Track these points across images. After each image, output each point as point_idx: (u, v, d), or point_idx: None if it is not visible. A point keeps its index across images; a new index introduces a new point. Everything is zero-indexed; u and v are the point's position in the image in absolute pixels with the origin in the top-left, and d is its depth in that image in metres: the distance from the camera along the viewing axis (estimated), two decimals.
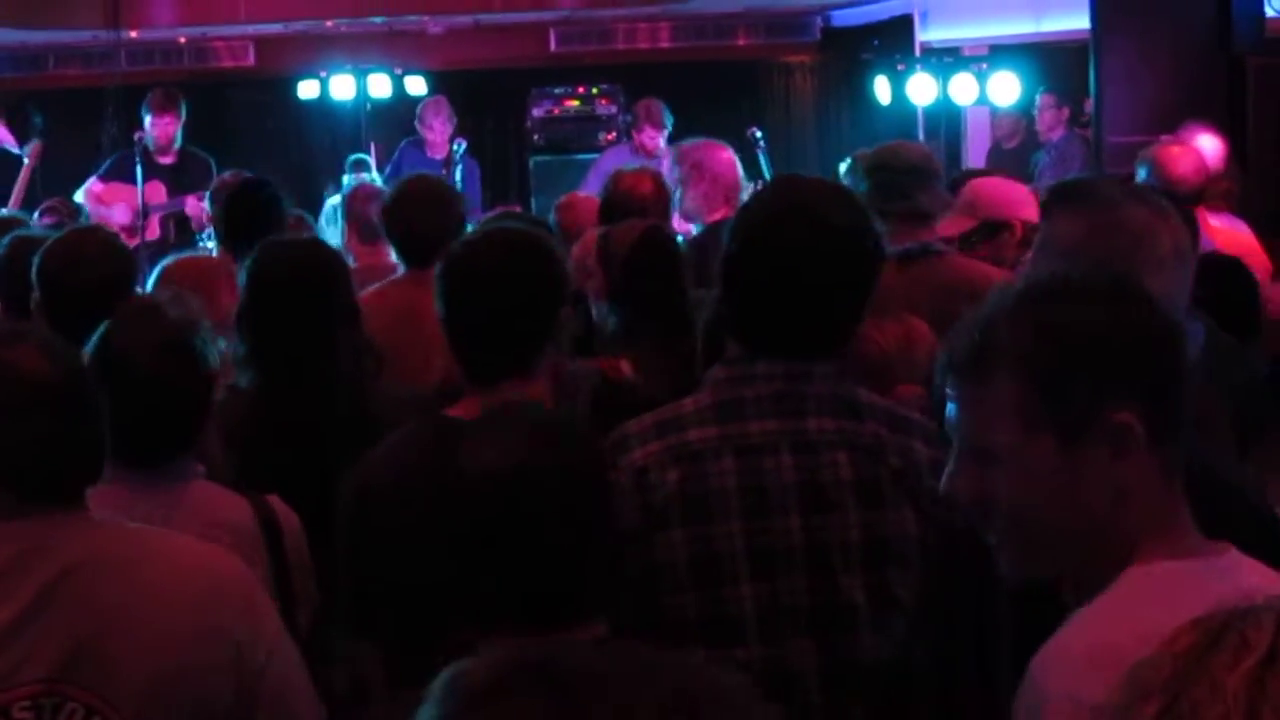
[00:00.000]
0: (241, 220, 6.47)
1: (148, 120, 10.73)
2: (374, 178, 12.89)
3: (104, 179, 10.94)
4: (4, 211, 10.26)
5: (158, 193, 10.64)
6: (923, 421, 3.29)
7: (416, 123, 12.26)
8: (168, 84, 11.61)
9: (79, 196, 10.87)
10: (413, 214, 5.83)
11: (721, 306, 3.35)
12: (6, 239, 5.47)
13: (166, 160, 10.76)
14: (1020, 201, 6.05)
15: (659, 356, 4.73)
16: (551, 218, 7.41)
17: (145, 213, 10.45)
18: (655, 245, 5.17)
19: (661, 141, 11.12)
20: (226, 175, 7.94)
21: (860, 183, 5.86)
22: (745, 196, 7.65)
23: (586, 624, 2.68)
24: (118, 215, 10.41)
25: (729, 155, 7.84)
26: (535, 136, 14.80)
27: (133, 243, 9.51)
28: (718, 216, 7.10)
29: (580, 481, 2.63)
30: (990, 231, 5.86)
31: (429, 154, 11.99)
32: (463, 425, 3.37)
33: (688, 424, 3.17)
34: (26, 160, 11.86)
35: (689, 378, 4.45)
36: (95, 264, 4.62)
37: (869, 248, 3.28)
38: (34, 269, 4.66)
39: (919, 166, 5.78)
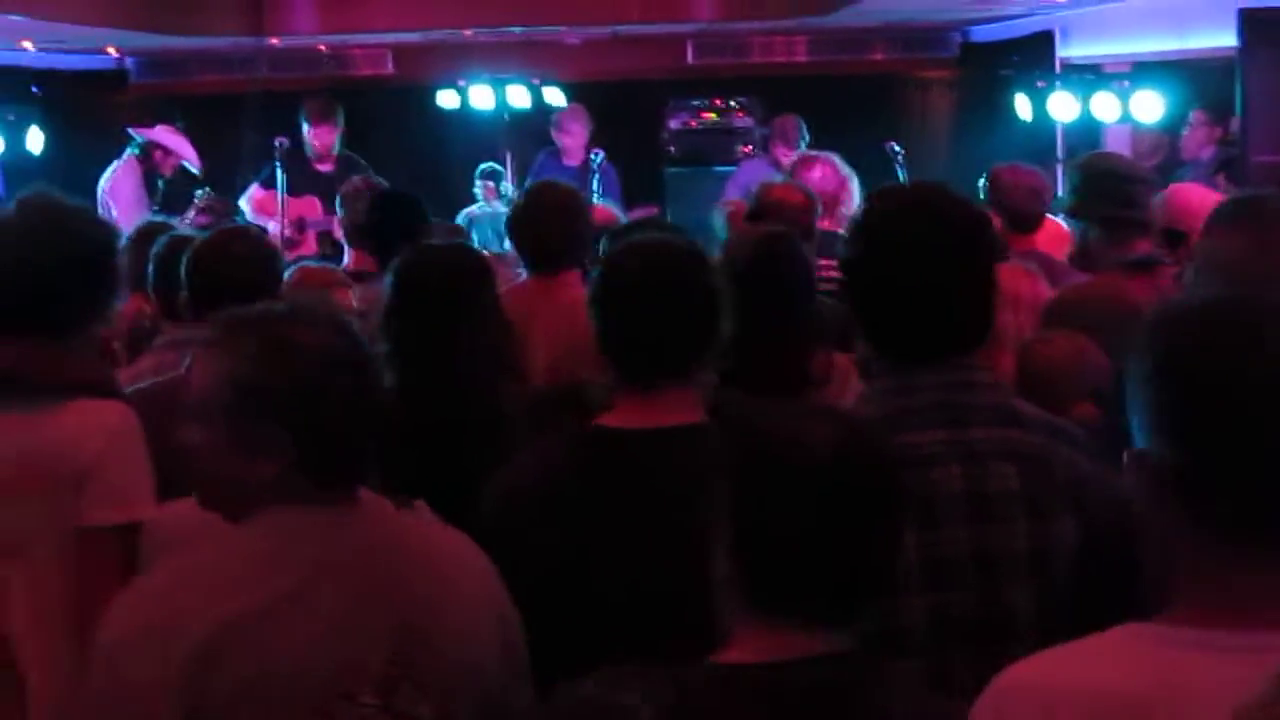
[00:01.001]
0: (382, 226, 6.53)
1: (305, 129, 10.79)
2: (506, 187, 12.99)
3: (265, 186, 11.02)
4: (157, 216, 10.43)
5: (313, 207, 10.69)
6: (1079, 432, 3.27)
7: (553, 130, 12.31)
8: (311, 91, 11.70)
9: (242, 202, 11.00)
10: (540, 220, 5.88)
11: (856, 316, 3.31)
12: (163, 238, 5.55)
13: (325, 168, 10.81)
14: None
15: (774, 365, 4.72)
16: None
17: (301, 227, 10.53)
18: (777, 252, 5.16)
19: (796, 157, 11.11)
20: (357, 180, 7.98)
21: (1074, 188, 5.82)
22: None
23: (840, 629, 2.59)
24: (274, 228, 10.50)
25: (827, 168, 7.94)
26: (671, 148, 14.82)
27: (288, 256, 9.60)
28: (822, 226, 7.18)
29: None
30: (1171, 241, 5.79)
31: (565, 161, 12.03)
32: (625, 436, 3.41)
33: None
34: (197, 203, 12.02)
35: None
36: (242, 263, 4.67)
37: (990, 241, 3.28)
38: (183, 267, 4.72)
39: (1141, 175, 5.73)
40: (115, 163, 11.43)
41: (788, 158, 11.09)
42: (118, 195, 11.05)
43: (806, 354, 4.99)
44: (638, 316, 3.47)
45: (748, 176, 10.67)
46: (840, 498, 2.47)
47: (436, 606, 2.89)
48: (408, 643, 2.83)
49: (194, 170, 11.91)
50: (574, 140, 12.08)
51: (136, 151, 11.49)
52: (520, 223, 5.99)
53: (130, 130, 11.77)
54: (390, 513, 3.00)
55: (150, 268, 5.36)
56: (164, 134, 11.75)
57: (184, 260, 4.77)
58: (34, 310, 3.98)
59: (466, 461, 4.05)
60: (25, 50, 13.24)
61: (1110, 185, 5.61)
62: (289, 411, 2.80)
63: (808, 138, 11.29)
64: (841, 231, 7.54)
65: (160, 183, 11.67)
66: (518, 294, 5.60)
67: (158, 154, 11.56)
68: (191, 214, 11.17)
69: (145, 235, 6.47)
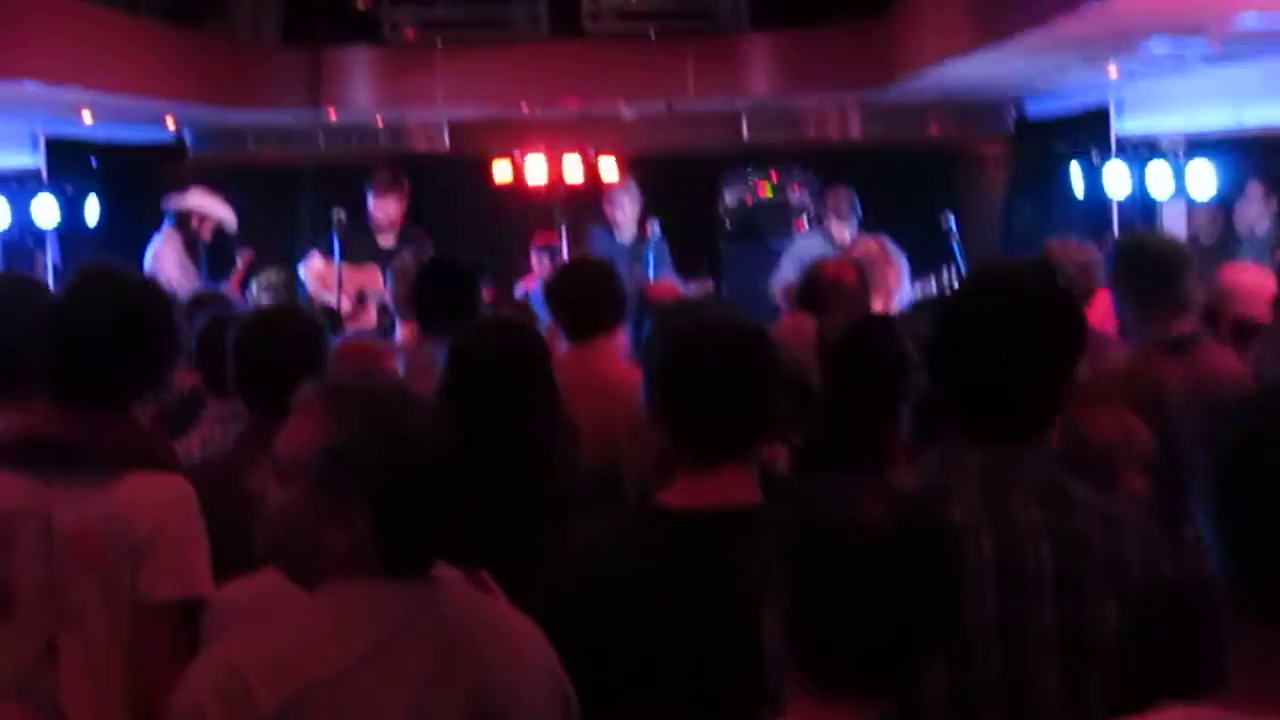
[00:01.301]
0: (430, 299, 6.54)
1: (370, 199, 10.77)
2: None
3: (326, 255, 11.01)
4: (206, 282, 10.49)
5: (374, 278, 10.67)
6: (1137, 516, 3.26)
7: (605, 205, 12.31)
8: (369, 164, 11.74)
9: (301, 270, 11.01)
10: (574, 291, 5.98)
11: (933, 388, 3.30)
12: (207, 314, 5.59)
13: (387, 243, 10.78)
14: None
15: (858, 440, 4.70)
16: None
17: (362, 299, 10.54)
18: (871, 336, 5.15)
19: (849, 231, 11.11)
20: (406, 255, 8.00)
21: (1113, 265, 5.82)
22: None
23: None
24: (333, 300, 10.51)
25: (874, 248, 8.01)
26: (727, 222, 14.82)
27: (349, 327, 9.61)
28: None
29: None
30: (1215, 317, 5.78)
31: (618, 236, 12.03)
32: (683, 515, 3.39)
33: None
34: (239, 263, 12.10)
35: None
36: (288, 340, 4.68)
37: (1074, 322, 3.24)
38: (229, 344, 4.74)
39: (1181, 254, 5.72)
40: (157, 236, 11.48)
41: (841, 231, 11.10)
42: (162, 268, 11.10)
43: (891, 431, 4.98)
44: (702, 394, 3.46)
45: (802, 251, 10.67)
46: (895, 577, 2.49)
47: (508, 677, 2.90)
48: (483, 710, 2.84)
49: (231, 228, 11.95)
50: (625, 215, 12.08)
51: (173, 221, 11.54)
52: (555, 294, 6.12)
53: (164, 201, 11.84)
54: (462, 585, 3.03)
55: (194, 341, 5.40)
56: (196, 198, 11.80)
57: (230, 336, 4.79)
58: (92, 381, 3.99)
59: (524, 535, 4.05)
60: (83, 122, 13.34)
61: (1145, 264, 5.60)
62: (376, 484, 2.81)
63: (860, 210, 11.28)
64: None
65: (202, 247, 11.72)
66: (559, 365, 5.62)
67: (194, 219, 11.62)
68: (240, 277, 11.25)
69: (196, 306, 6.53)
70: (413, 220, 11.82)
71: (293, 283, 11.44)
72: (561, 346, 6.07)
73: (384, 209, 10.81)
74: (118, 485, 3.86)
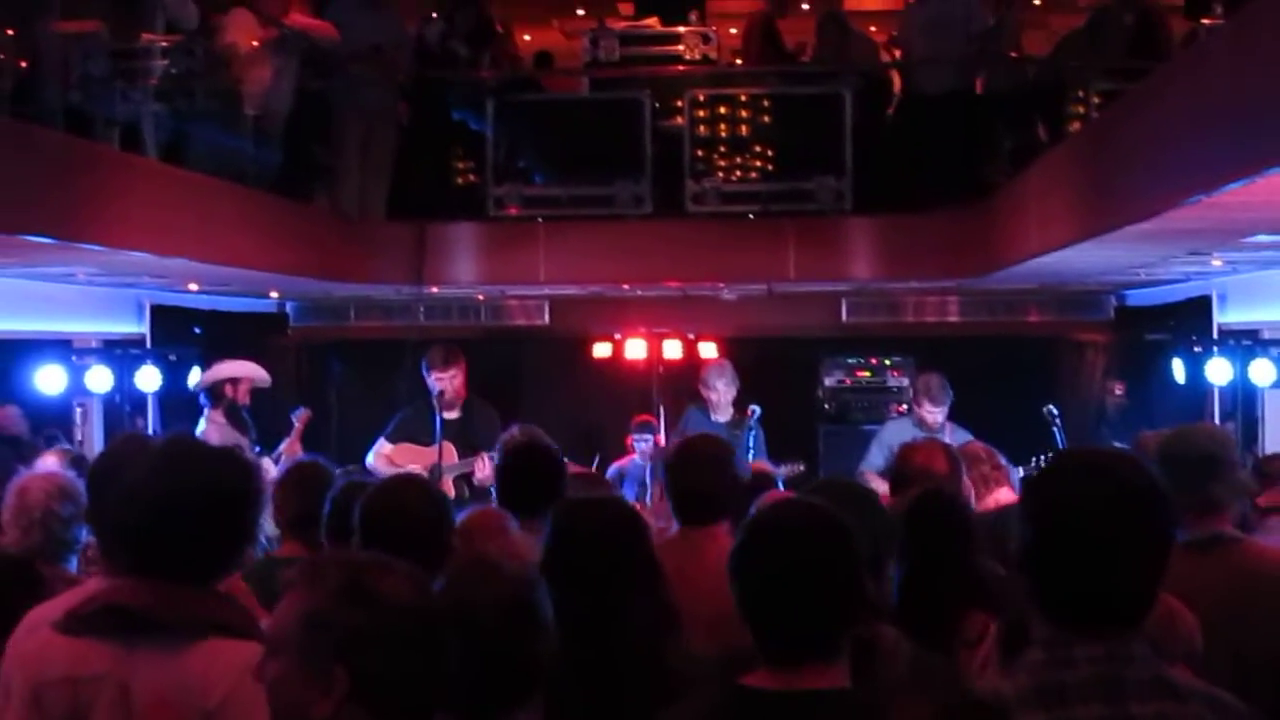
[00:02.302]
0: (515, 481, 6.52)
1: (430, 377, 10.83)
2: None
3: (391, 439, 11.06)
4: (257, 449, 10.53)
5: (449, 452, 10.71)
6: (1237, 704, 3.19)
7: (700, 386, 12.28)
8: (466, 343, 11.78)
9: (370, 459, 11.04)
10: (693, 472, 5.88)
11: (1028, 582, 3.23)
12: (339, 485, 5.60)
13: (451, 415, 10.84)
14: None
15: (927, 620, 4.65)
16: None
17: (437, 475, 10.54)
18: (938, 509, 5.11)
19: (941, 416, 11.04)
20: (515, 430, 7.99)
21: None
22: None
23: None
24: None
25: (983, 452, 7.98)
26: (826, 405, 14.80)
27: None
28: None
29: None
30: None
31: (713, 416, 12.00)
32: (764, 695, 3.34)
33: (1010, 709, 3.06)
34: (296, 423, 12.16)
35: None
36: (414, 511, 4.69)
37: (1168, 512, 3.20)
38: (356, 514, 4.75)
39: (1213, 455, 5.61)
40: (200, 424, 11.52)
41: (933, 416, 11.04)
42: None
43: (961, 612, 4.92)
44: (777, 603, 3.43)
45: (891, 436, 10.59)
46: None
47: None
48: None
49: (265, 384, 11.98)
50: (719, 396, 12.05)
51: (209, 401, 11.56)
52: (674, 473, 6.00)
53: (192, 385, 11.90)
54: None
55: (326, 511, 5.41)
56: (221, 368, 11.83)
57: (356, 508, 4.81)
58: (175, 554, 4.00)
59: (626, 715, 4.01)
60: (189, 291, 13.53)
61: (1173, 469, 5.53)
62: (350, 653, 2.86)
63: (952, 395, 11.21)
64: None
65: (246, 413, 11.76)
66: (668, 548, 5.56)
67: (227, 389, 11.62)
68: (299, 436, 11.30)
69: (296, 477, 6.54)
70: (511, 395, 11.85)
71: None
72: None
73: (443, 384, 10.81)
74: (194, 653, 3.86)
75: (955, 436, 10.20)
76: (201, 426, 11.41)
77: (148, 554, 3.99)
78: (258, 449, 11.50)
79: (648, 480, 12.16)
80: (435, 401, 10.66)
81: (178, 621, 3.88)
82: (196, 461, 4.13)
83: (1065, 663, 3.09)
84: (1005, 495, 7.60)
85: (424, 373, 10.89)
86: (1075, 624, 3.11)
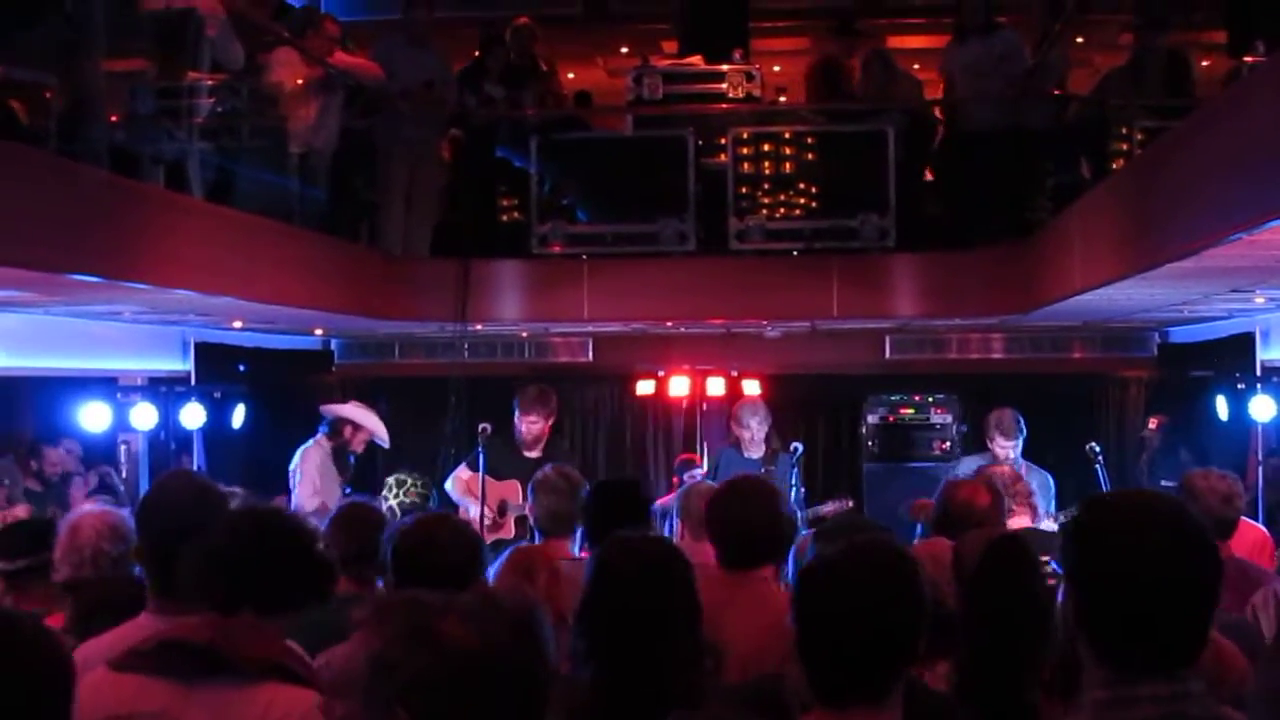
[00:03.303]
0: (602, 515, 6.50)
1: (517, 415, 10.90)
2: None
3: (471, 468, 11.11)
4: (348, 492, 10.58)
5: (514, 491, 10.76)
6: None
7: (733, 423, 12.27)
8: (514, 377, 11.82)
9: (448, 484, 11.10)
10: (735, 514, 5.79)
11: (1080, 628, 3.21)
12: (395, 527, 5.60)
13: (533, 454, 10.90)
14: None
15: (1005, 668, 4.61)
16: None
17: (503, 511, 10.58)
18: (1008, 555, 5.06)
19: (1014, 451, 11.02)
20: (549, 470, 7.98)
21: None
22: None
23: None
24: (474, 511, 10.55)
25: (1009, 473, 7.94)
26: (870, 443, 14.77)
27: (488, 538, 9.65)
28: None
29: None
30: None
31: (745, 453, 11.99)
32: None
33: None
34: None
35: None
36: (445, 550, 4.69)
37: (1215, 549, 3.20)
38: (388, 552, 4.76)
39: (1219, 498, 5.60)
40: (308, 441, 11.60)
41: (1005, 451, 11.02)
42: (305, 471, 11.19)
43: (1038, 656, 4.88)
44: (825, 635, 3.42)
45: (966, 472, 10.53)
46: None
47: None
48: None
49: (384, 445, 12.06)
50: (751, 434, 12.03)
51: (326, 429, 11.67)
52: (715, 516, 5.90)
53: (322, 408, 11.97)
54: None
55: (389, 553, 5.41)
56: (354, 410, 11.92)
57: (387, 544, 4.81)
58: (235, 595, 4.03)
59: None
60: (234, 329, 13.57)
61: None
62: (413, 698, 2.82)
63: (1025, 431, 11.20)
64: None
65: (351, 459, 11.82)
66: (708, 586, 5.54)
67: (347, 430, 11.72)
68: (394, 486, 11.35)
69: (347, 516, 6.56)
70: (555, 433, 11.87)
71: (429, 490, 11.47)
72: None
73: (530, 425, 10.90)
74: (254, 695, 3.88)
75: (1032, 476, 10.15)
76: (307, 444, 11.51)
77: (231, 590, 4.05)
78: (347, 491, 11.58)
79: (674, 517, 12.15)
80: (483, 438, 10.71)
81: (240, 661, 3.89)
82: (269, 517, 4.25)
83: (1129, 702, 3.09)
84: (1022, 522, 7.58)
85: (514, 409, 10.97)
86: (1132, 667, 3.11)
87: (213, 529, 4.34)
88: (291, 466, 11.41)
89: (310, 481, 11.12)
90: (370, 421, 11.86)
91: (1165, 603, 3.08)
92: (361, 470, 12.54)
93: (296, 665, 4.18)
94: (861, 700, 3.37)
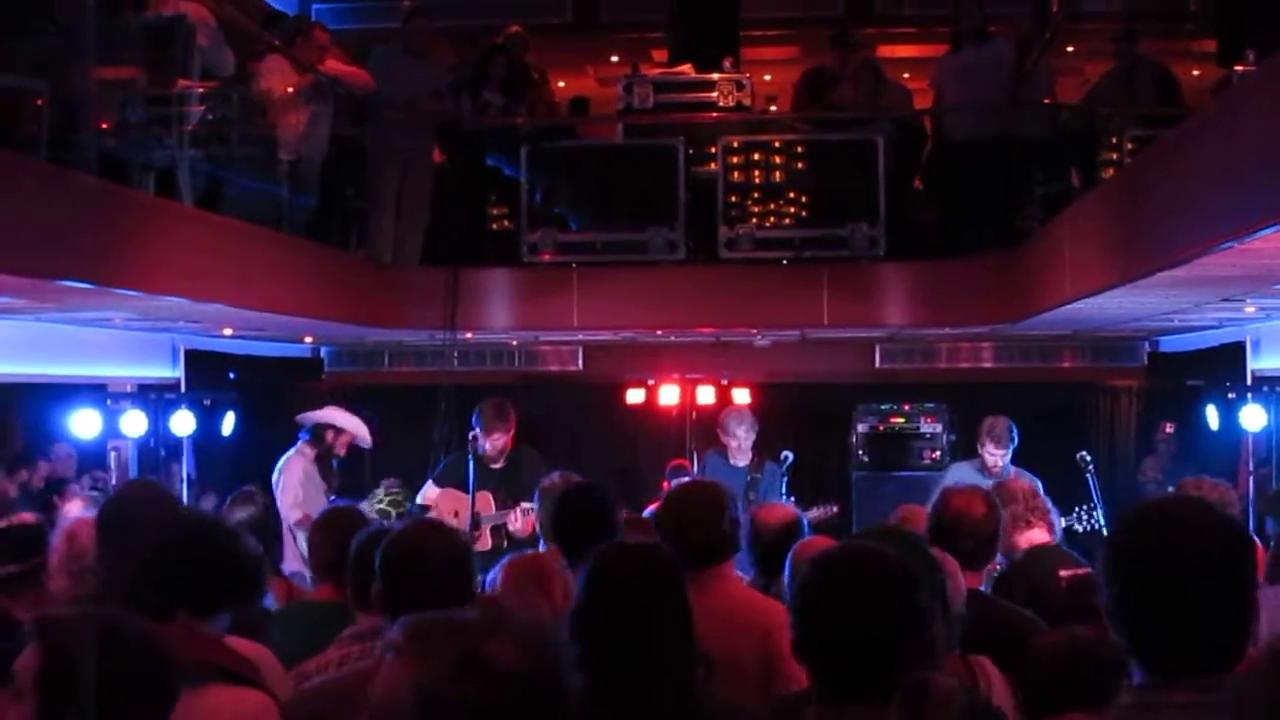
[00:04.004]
0: (570, 523, 6.51)
1: (479, 432, 10.89)
2: None
3: (438, 483, 11.12)
4: (335, 498, 10.57)
5: (486, 502, 10.76)
6: None
7: (719, 431, 12.25)
8: (499, 386, 11.80)
9: (419, 499, 11.10)
10: (684, 520, 5.85)
11: (1119, 633, 3.22)
12: (365, 531, 5.58)
13: (497, 466, 10.91)
14: None
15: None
16: None
17: (476, 523, 10.58)
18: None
19: (1003, 459, 11.04)
20: (555, 476, 7.98)
21: None
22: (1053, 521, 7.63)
23: None
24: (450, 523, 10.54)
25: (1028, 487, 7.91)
26: (860, 452, 14.78)
27: None
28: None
29: None
30: None
31: (732, 461, 11.97)
32: None
33: None
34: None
35: None
36: (437, 558, 4.67)
37: (1251, 554, 3.22)
38: (378, 560, 4.73)
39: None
40: (289, 451, 11.59)
41: (995, 459, 11.04)
42: (286, 482, 11.17)
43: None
44: (824, 632, 3.45)
45: (955, 480, 10.52)
46: None
47: None
48: None
49: (366, 445, 12.04)
50: (736, 442, 12.02)
51: (308, 436, 11.65)
52: (664, 524, 5.97)
53: (299, 417, 11.96)
54: None
55: (351, 556, 5.40)
56: (333, 414, 11.88)
57: (378, 552, 4.79)
58: (168, 601, 4.07)
59: None
60: (223, 336, 13.56)
61: None
62: None
63: (1017, 440, 11.21)
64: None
65: (335, 463, 11.80)
66: None
67: (329, 434, 11.67)
68: (381, 494, 11.33)
69: (329, 521, 6.55)
70: (544, 440, 11.87)
71: (407, 500, 11.47)
72: None
73: (494, 442, 10.89)
74: (200, 699, 3.88)
75: (1018, 479, 10.16)
76: (289, 454, 11.49)
77: (160, 593, 4.07)
78: (333, 499, 11.57)
79: None
80: (473, 446, 10.72)
81: (187, 665, 3.89)
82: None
83: (1160, 707, 3.09)
84: (1038, 536, 7.54)
85: (473, 423, 10.95)
86: (1169, 671, 3.11)
87: (147, 539, 4.40)
88: (274, 477, 11.37)
89: (291, 492, 11.07)
90: (351, 424, 11.83)
91: (1200, 609, 3.08)
92: (348, 477, 12.51)
93: (238, 665, 4.19)
94: (862, 696, 3.41)
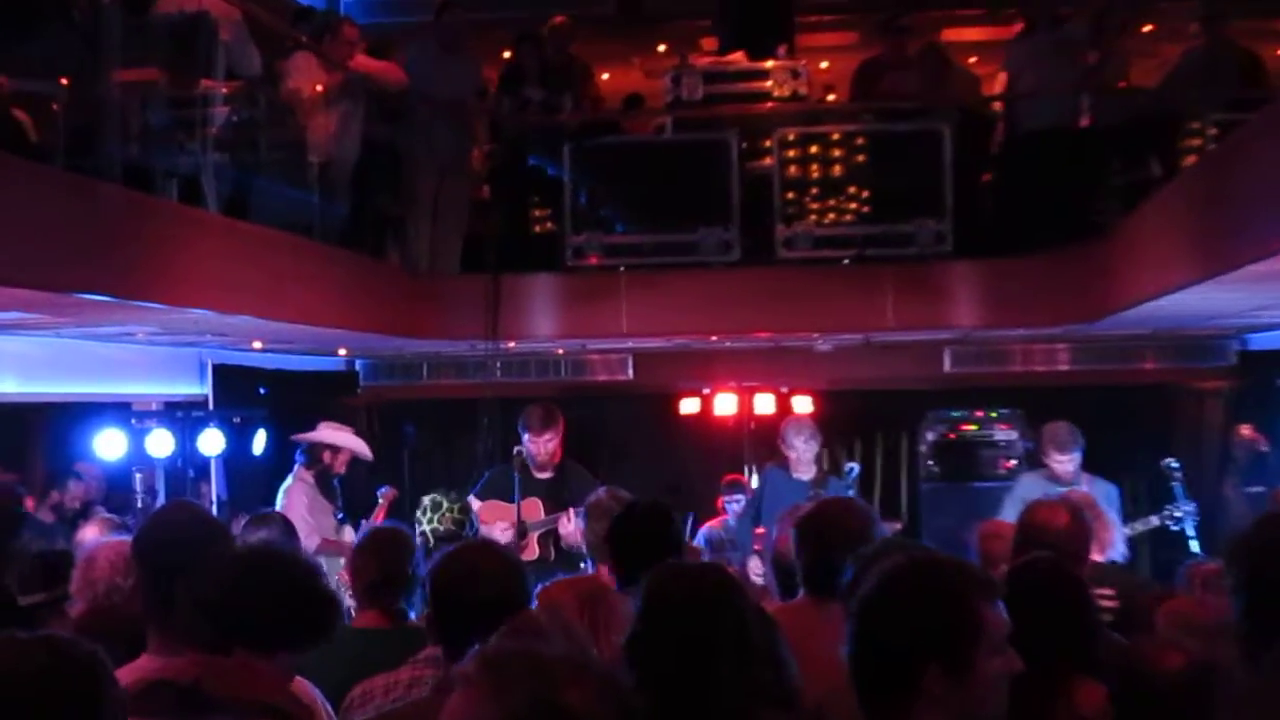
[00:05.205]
0: (630, 544, 6.50)
1: (525, 437, 10.88)
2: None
3: (480, 496, 11.13)
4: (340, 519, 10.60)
5: (534, 510, 10.76)
6: None
7: (779, 443, 12.19)
8: (545, 398, 11.79)
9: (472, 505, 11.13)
10: (827, 539, 5.78)
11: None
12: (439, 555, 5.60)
13: (544, 475, 10.90)
14: None
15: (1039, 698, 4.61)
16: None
17: (523, 531, 10.58)
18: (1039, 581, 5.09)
19: (1072, 466, 10.94)
20: (602, 493, 7.98)
21: None
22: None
23: None
24: (496, 534, 10.55)
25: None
26: (929, 461, 14.68)
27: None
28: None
29: None
30: None
31: (793, 474, 11.90)
32: None
33: None
34: (381, 500, 12.25)
35: None
36: (489, 580, 4.67)
37: None
38: (428, 583, 4.73)
39: None
40: (287, 479, 11.60)
41: (1062, 466, 10.94)
42: (292, 510, 11.16)
43: (1073, 688, 4.87)
44: (870, 651, 3.57)
45: (1024, 493, 10.46)
46: None
47: None
48: None
49: (366, 458, 12.06)
50: (797, 454, 11.92)
51: (304, 459, 11.67)
52: (807, 538, 5.92)
53: (294, 438, 11.98)
54: None
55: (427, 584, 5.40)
56: (329, 433, 11.91)
57: (428, 576, 4.79)
58: (225, 636, 4.09)
59: None
60: (253, 350, 13.58)
61: None
62: None
63: (1084, 443, 11.11)
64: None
65: (337, 482, 11.83)
66: (788, 613, 5.52)
67: (326, 455, 11.72)
68: (381, 517, 11.36)
69: (376, 542, 6.57)
70: (592, 453, 11.86)
71: (466, 515, 11.47)
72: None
73: (539, 446, 10.86)
74: None
75: (1095, 488, 10.10)
76: (288, 482, 11.52)
77: (236, 626, 4.09)
78: (340, 516, 11.59)
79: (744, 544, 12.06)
80: (518, 460, 10.72)
81: (229, 702, 3.91)
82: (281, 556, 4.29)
83: None
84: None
85: (520, 431, 10.94)
86: None
87: (205, 567, 4.39)
88: (276, 505, 11.36)
89: (302, 523, 11.10)
90: (348, 440, 11.86)
91: None
92: (352, 495, 12.55)
93: (291, 706, 4.19)
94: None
